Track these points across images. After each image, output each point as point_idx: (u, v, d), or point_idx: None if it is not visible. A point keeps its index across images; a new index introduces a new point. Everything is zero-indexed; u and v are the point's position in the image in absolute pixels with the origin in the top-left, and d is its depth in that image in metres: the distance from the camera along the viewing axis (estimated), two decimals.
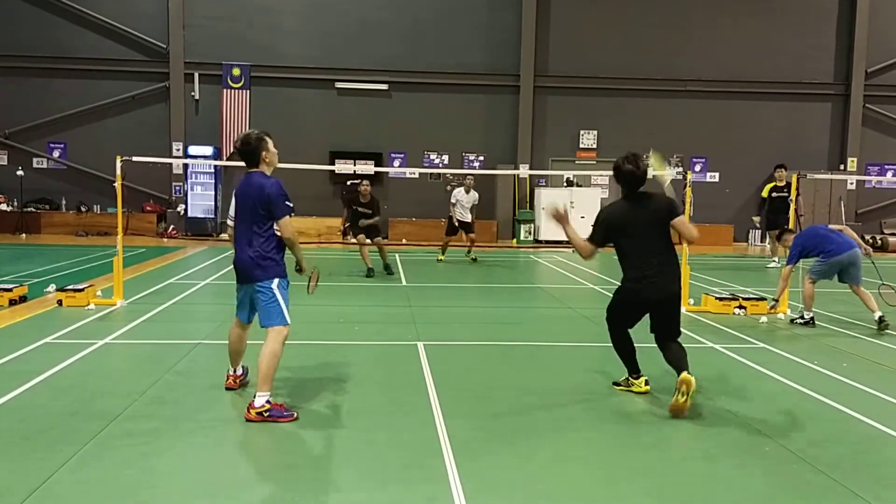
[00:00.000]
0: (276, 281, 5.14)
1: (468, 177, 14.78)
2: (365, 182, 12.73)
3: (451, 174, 20.75)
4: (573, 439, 4.84)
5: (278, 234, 5.16)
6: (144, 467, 4.15)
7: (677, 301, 5.67)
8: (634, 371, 5.89)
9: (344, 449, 4.52)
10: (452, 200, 14.53)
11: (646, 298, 5.62)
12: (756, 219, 15.89)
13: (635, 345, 5.90)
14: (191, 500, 3.78)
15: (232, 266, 5.50)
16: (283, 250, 5.24)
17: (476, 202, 14.64)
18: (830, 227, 9.15)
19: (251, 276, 5.20)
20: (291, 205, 5.17)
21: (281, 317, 5.12)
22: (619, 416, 5.31)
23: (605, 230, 5.96)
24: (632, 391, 5.82)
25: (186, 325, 8.32)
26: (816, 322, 8.80)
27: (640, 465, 4.37)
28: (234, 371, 5.70)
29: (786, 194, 14.41)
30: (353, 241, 13.53)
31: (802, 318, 8.82)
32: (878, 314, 8.57)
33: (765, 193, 15.25)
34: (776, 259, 14.95)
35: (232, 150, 20.12)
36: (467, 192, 14.48)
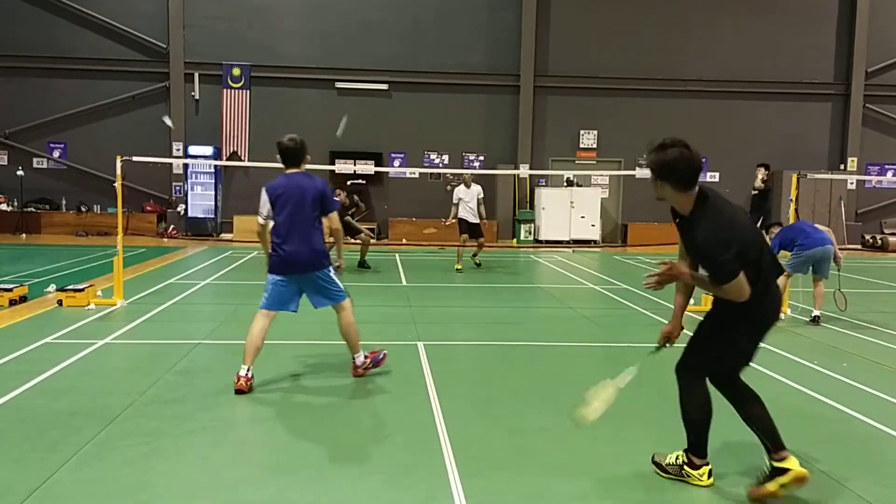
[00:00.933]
0: (331, 267, 5.78)
1: (464, 174, 14.12)
2: (337, 190, 12.74)
3: (451, 174, 20.74)
4: (573, 439, 4.84)
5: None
6: (144, 467, 4.15)
7: None
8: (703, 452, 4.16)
9: (344, 449, 4.52)
10: (455, 200, 13.74)
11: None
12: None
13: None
14: (191, 500, 3.78)
15: (278, 263, 5.67)
16: None
17: (481, 195, 13.74)
18: (816, 225, 9.29)
19: (315, 265, 5.66)
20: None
21: (342, 292, 5.89)
22: (620, 415, 5.29)
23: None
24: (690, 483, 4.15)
25: (186, 325, 8.32)
26: (821, 322, 8.80)
27: (640, 464, 4.36)
28: (248, 372, 5.64)
29: (762, 192, 14.84)
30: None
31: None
32: (816, 313, 8.88)
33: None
34: None
35: (233, 150, 20.15)
36: (468, 187, 13.69)
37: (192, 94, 20.13)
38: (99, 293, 9.18)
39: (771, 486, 3.86)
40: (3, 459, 4.22)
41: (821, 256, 8.87)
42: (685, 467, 4.09)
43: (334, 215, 5.77)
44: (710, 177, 21.17)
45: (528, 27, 20.46)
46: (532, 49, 20.56)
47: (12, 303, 8.90)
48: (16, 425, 4.77)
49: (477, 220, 13.62)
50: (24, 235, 18.65)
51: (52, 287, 9.78)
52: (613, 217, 21.24)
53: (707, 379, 4.11)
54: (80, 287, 9.20)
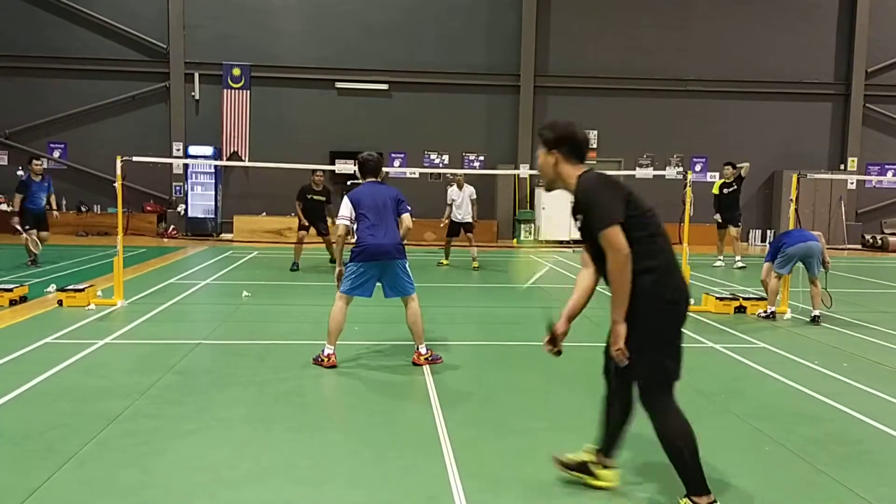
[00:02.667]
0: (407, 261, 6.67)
1: (456, 175, 14.10)
2: (319, 172, 13.22)
3: (452, 174, 20.71)
4: (572, 439, 4.83)
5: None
6: (144, 467, 4.15)
7: None
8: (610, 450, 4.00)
9: (344, 449, 4.52)
10: (448, 201, 13.94)
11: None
12: (717, 218, 15.35)
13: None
14: (191, 500, 3.78)
15: (364, 252, 6.40)
16: None
17: (473, 196, 13.82)
18: (812, 233, 9.37)
19: (396, 255, 6.51)
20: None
21: (413, 285, 6.70)
22: None
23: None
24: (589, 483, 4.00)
25: (186, 325, 8.32)
26: (821, 322, 8.80)
27: (639, 464, 4.36)
28: (334, 350, 6.45)
29: (735, 188, 14.87)
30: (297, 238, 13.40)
31: (765, 311, 9.19)
32: (815, 313, 8.93)
33: (715, 190, 15.27)
34: (722, 258, 15.00)
35: (233, 150, 20.15)
36: (460, 188, 13.77)
37: (192, 94, 20.13)
38: (99, 293, 9.18)
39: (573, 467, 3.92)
40: (3, 459, 4.22)
41: (804, 253, 8.92)
42: (597, 461, 3.90)
43: (408, 215, 6.65)
44: (710, 177, 21.16)
45: (528, 27, 20.46)
46: (532, 49, 20.56)
47: (12, 303, 8.90)
48: (16, 425, 4.77)
49: (468, 220, 13.79)
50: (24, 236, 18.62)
51: (52, 287, 9.78)
52: None
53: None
54: (81, 287, 9.20)
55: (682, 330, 3.59)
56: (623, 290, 3.46)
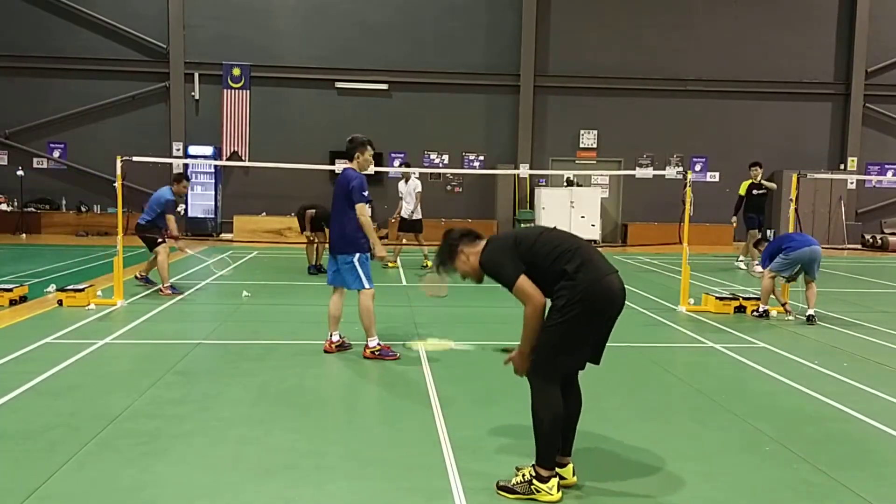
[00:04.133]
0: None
1: (405, 170, 13.78)
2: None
3: (452, 174, 20.76)
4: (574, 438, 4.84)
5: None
6: (145, 467, 4.15)
7: None
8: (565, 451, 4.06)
9: (344, 448, 4.52)
10: (400, 195, 13.54)
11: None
12: (734, 219, 15.16)
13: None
14: (191, 500, 3.78)
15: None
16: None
17: (418, 190, 13.35)
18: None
19: (337, 248, 6.77)
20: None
21: (360, 281, 6.70)
22: (619, 414, 5.30)
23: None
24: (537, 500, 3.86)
25: (186, 325, 8.32)
26: (816, 321, 8.80)
27: (639, 464, 4.36)
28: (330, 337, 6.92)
29: (764, 192, 14.43)
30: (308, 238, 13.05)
31: (757, 310, 9.18)
32: (810, 312, 8.86)
33: (742, 191, 14.69)
34: (742, 258, 14.85)
35: (233, 150, 20.14)
36: (406, 181, 13.45)
37: (192, 94, 20.13)
38: (99, 293, 9.18)
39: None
40: (3, 459, 4.23)
41: (809, 258, 8.83)
42: (535, 481, 3.84)
43: (360, 206, 6.57)
44: (710, 176, 21.19)
45: (528, 27, 20.46)
46: (532, 49, 20.55)
47: (12, 303, 8.90)
48: (16, 425, 4.77)
49: (416, 217, 13.44)
50: (24, 235, 18.65)
51: (52, 287, 9.78)
52: (613, 217, 21.25)
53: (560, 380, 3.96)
54: (80, 287, 9.20)
55: (590, 328, 3.83)
56: (533, 331, 3.82)
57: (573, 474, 4.02)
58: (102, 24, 19.72)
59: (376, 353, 6.67)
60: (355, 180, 6.56)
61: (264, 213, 19.74)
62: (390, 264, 13.32)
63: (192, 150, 19.44)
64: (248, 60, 20.02)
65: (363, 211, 6.56)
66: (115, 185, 9.44)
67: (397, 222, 13.70)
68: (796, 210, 9.90)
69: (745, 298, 9.53)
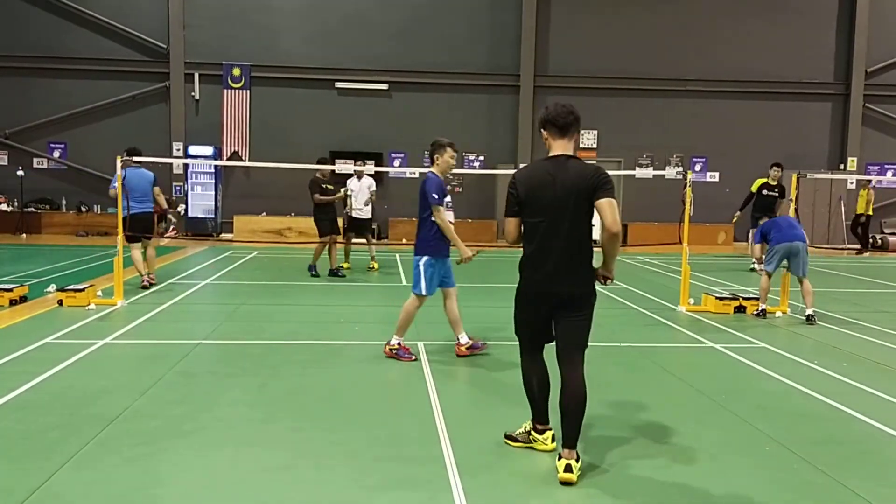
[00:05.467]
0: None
1: (358, 167, 13.05)
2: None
3: (452, 174, 20.71)
4: None
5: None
6: (144, 467, 4.15)
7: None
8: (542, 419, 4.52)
9: (344, 449, 4.52)
10: (348, 192, 12.74)
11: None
12: (737, 215, 15.01)
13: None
14: (191, 500, 3.78)
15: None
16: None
17: (372, 188, 12.85)
18: (796, 222, 9.33)
19: (416, 250, 6.78)
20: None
21: (418, 286, 6.66)
22: (620, 415, 5.30)
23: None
24: (535, 448, 4.50)
25: (186, 325, 8.32)
26: (816, 321, 8.80)
27: (640, 464, 4.36)
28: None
29: (776, 194, 14.01)
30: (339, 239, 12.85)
31: (757, 310, 9.21)
32: (809, 312, 8.86)
33: (754, 188, 14.42)
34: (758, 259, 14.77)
35: (233, 150, 20.14)
36: (359, 178, 12.82)
37: (192, 94, 20.13)
38: (99, 293, 9.18)
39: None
40: (2, 459, 4.22)
41: (787, 252, 8.91)
42: (532, 433, 4.53)
43: (438, 210, 6.59)
44: (710, 177, 21.19)
45: (528, 27, 20.46)
46: (532, 49, 20.56)
47: (13, 303, 8.90)
48: (16, 425, 4.77)
49: (366, 217, 12.91)
50: (24, 235, 18.65)
51: (52, 287, 9.78)
52: None
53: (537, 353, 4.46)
54: (81, 287, 9.20)
55: (532, 311, 4.34)
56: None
57: (552, 441, 4.47)
58: (102, 23, 19.72)
59: (394, 352, 6.71)
60: (429, 183, 6.59)
61: (264, 213, 19.75)
62: (343, 265, 12.90)
63: (192, 150, 19.45)
64: (248, 60, 20.03)
65: (440, 214, 6.55)
66: (115, 184, 9.43)
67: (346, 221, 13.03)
68: (796, 210, 9.89)
69: (745, 298, 9.53)
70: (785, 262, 9.09)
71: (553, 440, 4.45)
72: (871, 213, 17.89)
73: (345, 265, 12.99)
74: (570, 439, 4.10)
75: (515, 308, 4.44)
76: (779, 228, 9.11)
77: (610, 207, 4.14)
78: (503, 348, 7.17)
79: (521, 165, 20.36)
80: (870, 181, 17.84)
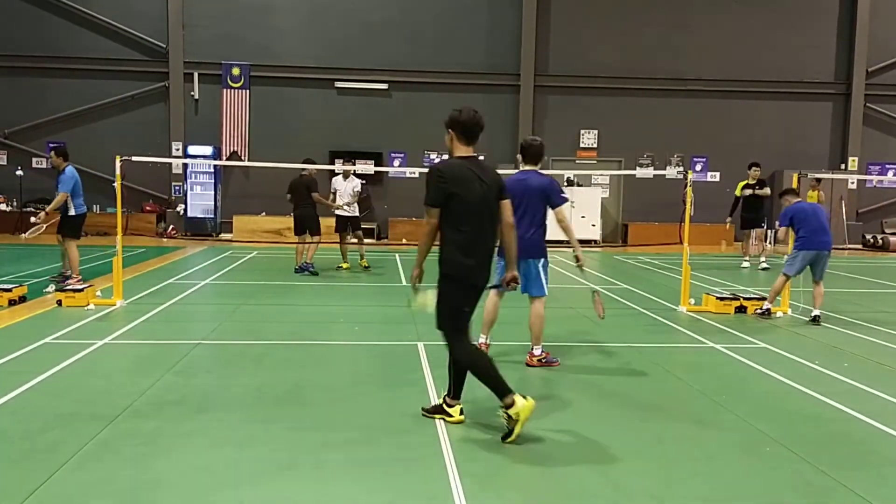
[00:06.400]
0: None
1: (350, 161, 13.34)
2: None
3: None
4: (573, 438, 4.83)
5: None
6: (144, 468, 4.14)
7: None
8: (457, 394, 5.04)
9: (344, 449, 4.51)
10: (332, 190, 12.93)
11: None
12: (728, 220, 15.52)
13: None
14: (190, 500, 3.77)
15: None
16: None
17: (357, 189, 12.89)
18: (825, 220, 9.18)
19: (531, 253, 6.41)
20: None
21: (544, 288, 6.54)
22: (620, 414, 5.30)
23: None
24: (446, 420, 4.98)
25: (186, 325, 8.31)
26: (821, 322, 8.79)
27: (640, 464, 4.36)
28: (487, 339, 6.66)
29: (758, 191, 14.71)
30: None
31: (761, 309, 9.15)
32: (815, 312, 8.81)
33: (738, 192, 15.10)
34: (748, 259, 14.91)
35: (232, 150, 20.13)
36: (345, 178, 12.88)
37: (192, 93, 20.13)
38: (98, 293, 9.18)
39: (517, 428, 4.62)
40: (2, 460, 4.22)
41: (813, 259, 8.85)
42: (444, 405, 4.99)
43: (561, 208, 6.49)
44: (711, 176, 21.18)
45: (529, 27, 20.46)
46: (532, 49, 20.55)
47: (12, 303, 8.90)
48: (16, 425, 4.76)
49: (353, 214, 12.94)
50: (23, 235, 18.59)
51: (51, 287, 9.77)
52: (614, 217, 21.24)
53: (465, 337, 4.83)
54: (80, 287, 9.19)
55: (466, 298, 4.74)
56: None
57: (460, 413, 4.98)
58: (102, 23, 19.72)
59: (542, 361, 6.56)
60: (554, 183, 6.47)
61: (264, 213, 19.74)
62: (342, 265, 13.07)
63: (192, 149, 19.44)
64: (247, 60, 20.02)
65: (566, 213, 6.53)
66: (115, 184, 9.43)
67: (338, 221, 13.03)
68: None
69: (745, 298, 9.53)
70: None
71: (462, 412, 4.98)
72: None
73: (344, 265, 13.09)
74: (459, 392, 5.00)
75: (447, 297, 4.71)
76: (812, 230, 8.83)
77: (509, 206, 4.88)
78: (502, 348, 7.17)
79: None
80: (819, 180, 17.69)
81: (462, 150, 4.92)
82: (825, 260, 8.92)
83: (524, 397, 4.66)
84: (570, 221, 6.56)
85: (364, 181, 14.06)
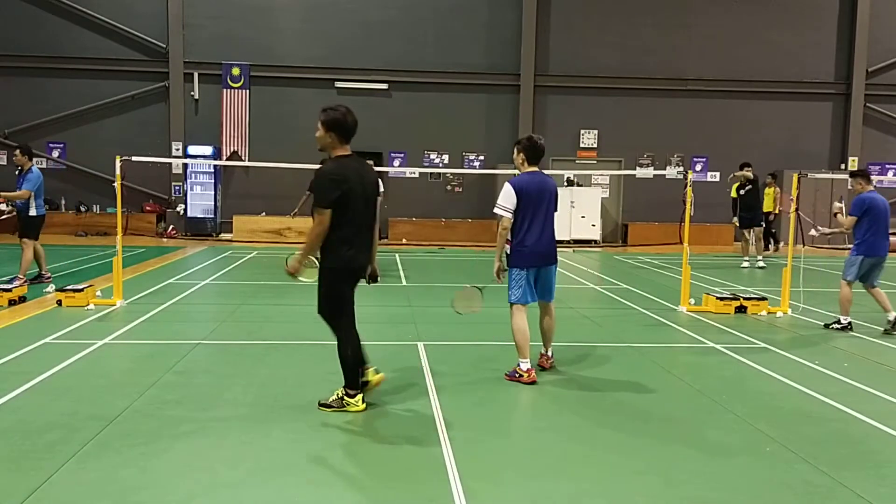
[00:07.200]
0: None
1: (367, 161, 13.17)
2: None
3: (452, 174, 20.74)
4: (574, 438, 4.83)
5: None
6: (144, 467, 4.14)
7: None
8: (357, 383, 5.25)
9: (344, 449, 4.51)
10: None
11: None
12: (735, 221, 15.57)
13: None
14: (190, 501, 3.77)
15: (528, 254, 6.06)
16: None
17: (381, 188, 13.09)
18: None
19: (555, 258, 6.24)
20: None
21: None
22: (621, 415, 5.30)
23: None
24: (348, 411, 5.16)
25: (186, 325, 8.31)
26: (814, 321, 8.79)
27: (640, 464, 4.36)
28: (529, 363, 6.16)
29: (751, 188, 14.89)
30: None
31: (839, 322, 8.59)
32: (892, 314, 8.43)
33: (733, 193, 15.30)
34: (748, 259, 14.94)
35: (233, 150, 20.13)
36: None
37: (192, 93, 20.13)
38: (98, 293, 9.17)
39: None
40: (2, 460, 4.22)
41: (874, 264, 8.40)
42: (345, 398, 5.17)
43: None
44: (711, 176, 21.18)
45: (529, 27, 20.45)
46: (532, 49, 20.55)
47: (12, 303, 8.90)
48: (16, 425, 4.76)
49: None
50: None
51: (51, 287, 9.77)
52: (614, 217, 21.24)
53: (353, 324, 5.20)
54: (80, 287, 9.19)
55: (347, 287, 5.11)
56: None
57: (362, 401, 5.20)
58: (102, 23, 19.71)
59: (554, 365, 6.47)
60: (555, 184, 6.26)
61: (264, 213, 19.73)
62: None
63: (192, 149, 19.44)
64: (247, 60, 20.02)
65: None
66: (115, 184, 9.43)
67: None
68: (797, 210, 9.87)
69: (745, 299, 9.52)
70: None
71: (363, 401, 5.19)
72: (777, 211, 17.73)
73: None
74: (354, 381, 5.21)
75: (332, 287, 5.04)
76: (878, 225, 8.29)
77: (378, 203, 5.28)
78: (502, 348, 7.17)
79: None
80: (774, 176, 17.73)
81: (341, 150, 5.23)
82: (883, 264, 8.49)
83: (363, 400, 5.17)
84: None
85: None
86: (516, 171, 6.31)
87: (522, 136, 6.29)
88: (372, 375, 5.25)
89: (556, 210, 6.18)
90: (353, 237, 5.01)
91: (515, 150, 6.20)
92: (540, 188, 6.00)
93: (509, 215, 5.99)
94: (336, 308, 5.14)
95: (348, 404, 5.16)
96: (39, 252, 10.55)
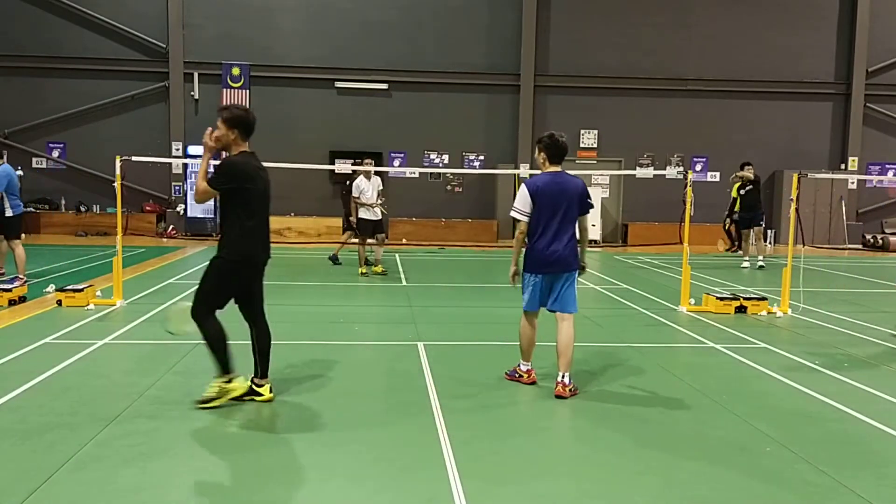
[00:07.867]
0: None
1: (366, 159, 12.45)
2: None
3: (452, 174, 20.74)
4: (575, 438, 4.83)
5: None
6: (144, 468, 4.14)
7: None
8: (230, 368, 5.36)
9: (344, 449, 4.51)
10: (355, 193, 11.99)
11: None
12: (728, 222, 15.70)
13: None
14: (190, 501, 3.77)
15: (540, 259, 5.71)
16: None
17: (381, 188, 12.25)
18: None
19: (572, 265, 5.75)
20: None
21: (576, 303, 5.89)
22: (621, 415, 5.30)
23: None
24: (256, 400, 5.36)
25: (186, 325, 8.29)
26: (814, 321, 8.79)
27: (641, 465, 4.36)
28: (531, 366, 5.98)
29: (751, 188, 14.86)
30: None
31: None
32: None
33: (734, 192, 15.32)
34: (748, 259, 14.95)
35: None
36: (368, 178, 12.01)
37: (192, 93, 20.12)
38: (98, 293, 9.17)
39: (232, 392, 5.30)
40: (2, 459, 4.22)
41: None
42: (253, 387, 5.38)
43: (586, 217, 5.86)
44: (711, 176, 21.17)
45: (529, 27, 20.45)
46: (532, 49, 20.55)
47: (12, 303, 8.89)
48: (16, 425, 4.76)
49: (378, 217, 12.33)
50: (23, 235, 18.57)
51: (51, 287, 9.77)
52: (614, 217, 21.24)
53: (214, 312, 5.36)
54: (80, 287, 9.19)
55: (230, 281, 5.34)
56: None
57: (270, 391, 5.38)
58: (102, 23, 19.71)
59: (575, 390, 5.73)
60: (586, 185, 5.79)
61: None
62: (363, 270, 12.38)
63: (192, 149, 19.43)
64: (247, 60, 20.01)
65: (588, 221, 5.90)
66: (115, 184, 9.43)
67: (356, 226, 12.37)
68: (797, 210, 9.88)
69: (745, 299, 9.52)
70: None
71: (271, 390, 5.37)
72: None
73: (362, 270, 12.42)
74: (266, 371, 5.44)
75: (222, 279, 5.28)
76: None
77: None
78: (501, 348, 7.17)
79: (523, 166, 20.45)
80: (742, 165, 17.51)
81: (243, 146, 5.38)
82: None
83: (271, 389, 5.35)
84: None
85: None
86: (517, 172, 6.26)
87: (544, 134, 5.94)
88: (237, 384, 5.30)
89: (585, 212, 5.73)
90: (254, 231, 5.27)
91: (536, 149, 5.91)
92: (559, 190, 5.60)
93: (525, 219, 5.64)
94: (213, 303, 5.32)
95: (231, 390, 5.25)
96: (2, 250, 10.49)
